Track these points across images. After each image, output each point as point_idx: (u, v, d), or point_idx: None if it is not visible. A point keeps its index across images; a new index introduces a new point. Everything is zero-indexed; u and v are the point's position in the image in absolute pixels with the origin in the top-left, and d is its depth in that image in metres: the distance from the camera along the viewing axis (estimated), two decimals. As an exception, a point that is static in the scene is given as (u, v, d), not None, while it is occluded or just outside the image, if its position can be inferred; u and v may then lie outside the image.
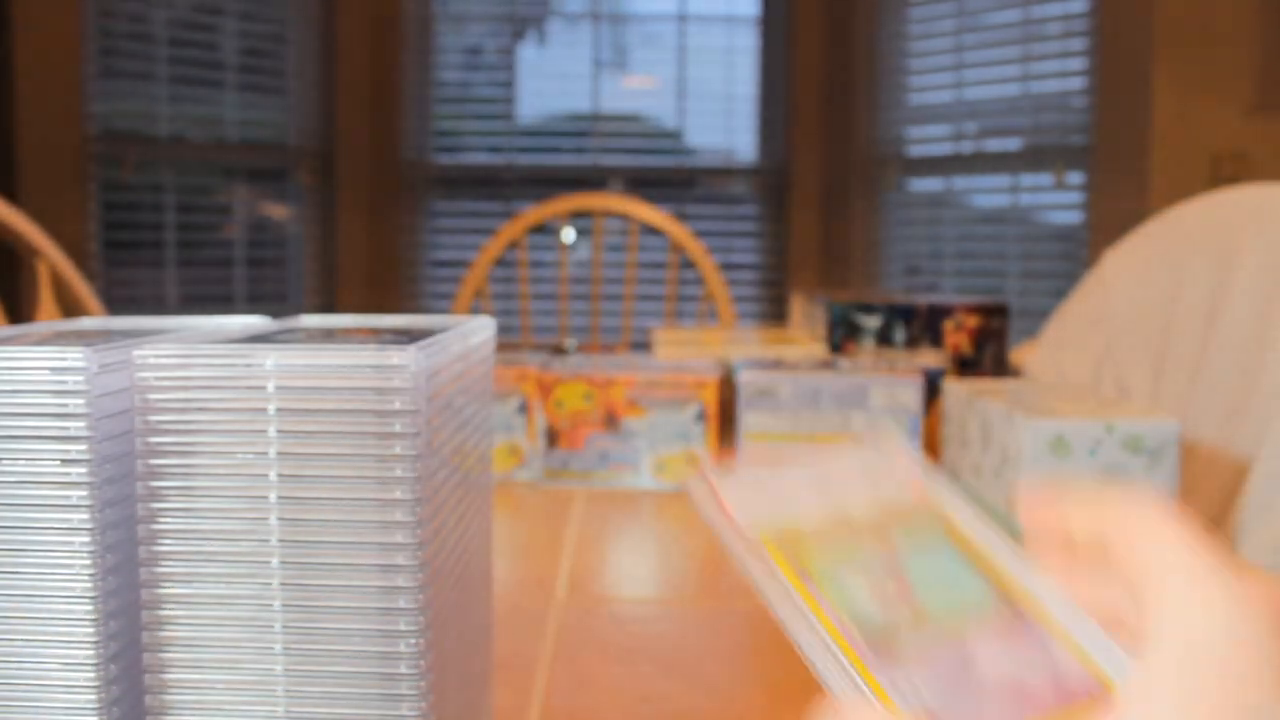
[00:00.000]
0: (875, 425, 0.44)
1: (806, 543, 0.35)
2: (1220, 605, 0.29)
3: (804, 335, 1.38)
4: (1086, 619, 0.33)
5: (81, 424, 0.35)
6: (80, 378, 0.35)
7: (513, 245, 2.01)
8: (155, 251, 3.19)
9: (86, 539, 0.35)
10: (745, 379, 1.03)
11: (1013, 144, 3.20)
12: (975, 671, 0.31)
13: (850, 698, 0.30)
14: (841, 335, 1.25)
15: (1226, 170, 2.75)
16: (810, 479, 0.37)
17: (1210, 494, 1.09)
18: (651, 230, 2.02)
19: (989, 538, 0.36)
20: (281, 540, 0.35)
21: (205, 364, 0.35)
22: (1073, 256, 3.09)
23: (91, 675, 0.35)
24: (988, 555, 0.36)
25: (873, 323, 1.25)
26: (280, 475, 0.35)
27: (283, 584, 0.35)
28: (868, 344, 1.25)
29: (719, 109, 3.56)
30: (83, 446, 0.35)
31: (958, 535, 0.36)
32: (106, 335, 0.40)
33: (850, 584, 0.33)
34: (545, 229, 2.10)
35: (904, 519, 0.37)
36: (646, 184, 3.54)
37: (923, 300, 1.26)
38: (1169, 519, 0.32)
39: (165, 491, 0.35)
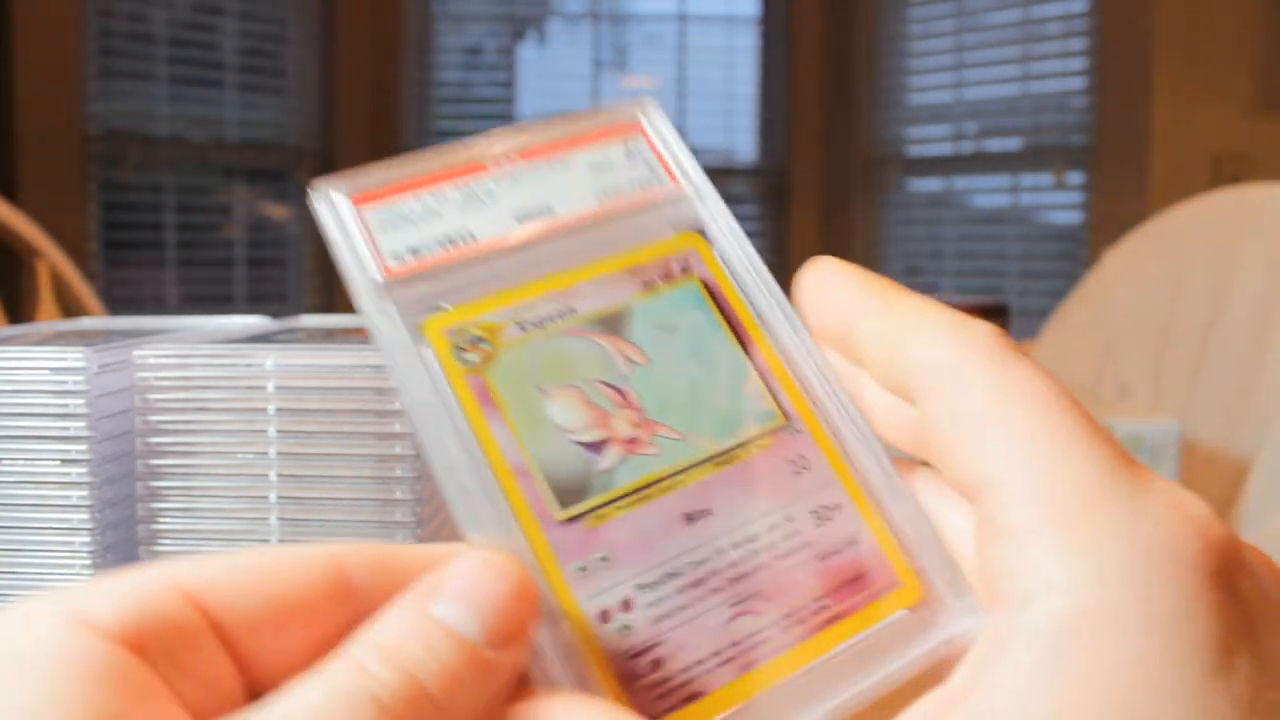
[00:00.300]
0: (629, 99, 0.26)
1: (495, 327, 0.22)
2: (1113, 553, 0.18)
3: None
4: (889, 461, 0.23)
5: (81, 424, 0.35)
6: (80, 378, 0.35)
7: (513, 245, 2.01)
8: (155, 251, 3.19)
9: (86, 539, 0.35)
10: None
11: (1013, 144, 3.20)
12: (718, 550, 0.21)
13: (543, 641, 0.20)
14: (841, 335, 1.25)
15: (1226, 170, 2.75)
16: (515, 198, 0.24)
17: (1210, 494, 1.09)
18: (651, 230, 2.02)
19: (771, 308, 0.25)
20: (281, 540, 0.35)
21: (205, 364, 0.35)
22: (1073, 256, 3.09)
23: (91, 675, 0.35)
24: (764, 336, 0.24)
25: (873, 323, 1.25)
26: (280, 475, 0.35)
27: (283, 584, 0.35)
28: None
29: (719, 109, 3.56)
30: (83, 446, 0.35)
31: (727, 298, 0.25)
32: (106, 335, 0.40)
33: (551, 407, 0.21)
34: (545, 229, 2.10)
35: (646, 269, 0.24)
36: (646, 184, 3.54)
37: (923, 300, 1.26)
38: (1027, 389, 0.20)
39: (165, 491, 0.35)
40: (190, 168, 3.29)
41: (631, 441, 0.22)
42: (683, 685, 0.20)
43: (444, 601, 0.19)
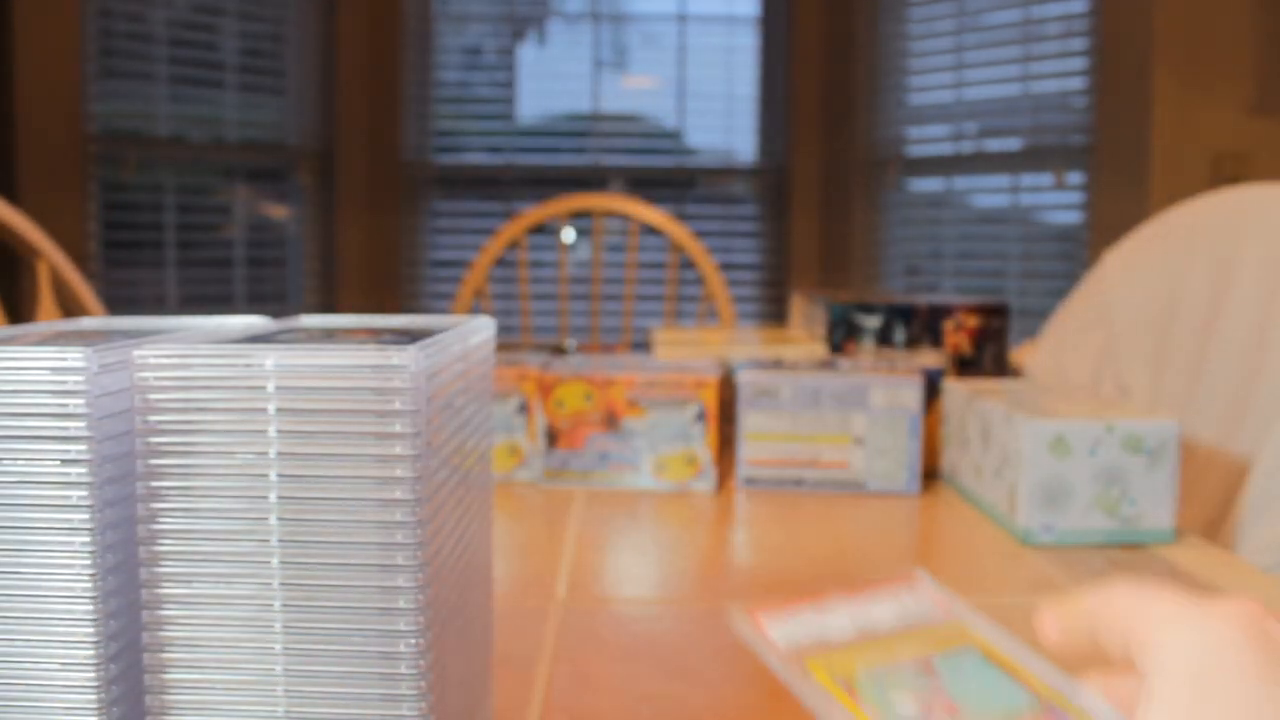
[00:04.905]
0: (905, 571, 0.47)
1: (847, 660, 0.37)
2: (1207, 635, 0.30)
3: (804, 335, 1.38)
4: (1121, 715, 0.34)
5: (81, 424, 0.35)
6: (80, 378, 0.35)
7: (513, 245, 2.01)
8: (155, 251, 3.19)
9: (86, 539, 0.35)
10: (745, 379, 1.03)
11: (1013, 144, 3.20)
12: None
13: None
14: (841, 335, 1.25)
15: (1226, 170, 2.75)
16: (844, 610, 0.40)
17: (1210, 494, 1.09)
18: (651, 230, 2.02)
19: (1020, 652, 0.38)
20: (281, 540, 0.35)
21: (205, 364, 0.35)
22: (1073, 256, 3.09)
23: (91, 675, 0.35)
24: (1021, 666, 0.37)
25: (873, 323, 1.25)
26: (280, 475, 0.35)
27: (283, 584, 0.35)
28: (868, 344, 1.25)
29: (719, 109, 3.56)
30: (83, 446, 0.35)
31: (989, 650, 0.38)
32: (106, 335, 0.40)
33: (892, 696, 0.35)
34: (545, 229, 2.10)
35: (937, 638, 0.39)
36: (646, 184, 3.54)
37: (923, 300, 1.26)
38: (1136, 589, 0.33)
39: (165, 491, 0.35)
40: (190, 168, 3.29)
41: (948, 715, 0.34)
42: None
43: None
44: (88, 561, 0.35)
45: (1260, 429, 1.06)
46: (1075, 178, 3.08)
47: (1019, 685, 0.36)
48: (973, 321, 1.24)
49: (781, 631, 0.38)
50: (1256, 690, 0.30)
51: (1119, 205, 2.87)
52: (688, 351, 1.26)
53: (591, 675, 0.62)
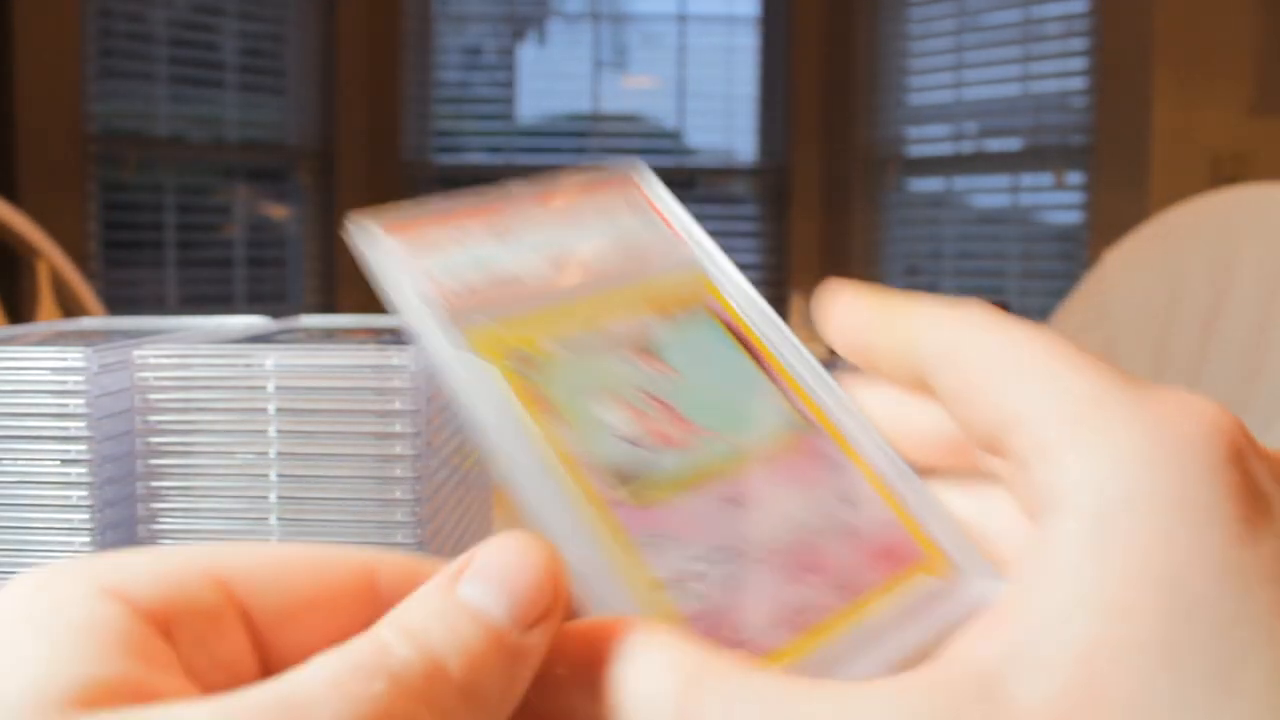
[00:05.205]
0: (619, 162, 0.29)
1: (538, 345, 0.24)
2: (1166, 473, 0.20)
3: (804, 335, 1.38)
4: (899, 458, 0.25)
5: (81, 424, 0.35)
6: (80, 378, 0.35)
7: (513, 245, 2.01)
8: (155, 251, 3.19)
9: (86, 539, 0.35)
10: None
11: (1013, 144, 3.20)
12: (765, 529, 0.23)
13: (616, 605, 0.20)
14: (841, 335, 1.25)
15: (1226, 170, 2.75)
16: (533, 239, 0.26)
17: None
18: (651, 230, 2.02)
19: (774, 333, 0.27)
20: (281, 540, 0.35)
21: (205, 364, 0.35)
22: (1073, 256, 3.09)
23: (91, 675, 0.35)
24: (774, 356, 0.27)
25: (873, 323, 1.25)
26: (280, 475, 0.35)
27: (283, 584, 0.35)
28: (868, 344, 1.25)
29: (719, 109, 3.56)
30: (83, 446, 0.35)
31: (737, 324, 0.27)
32: (106, 335, 0.40)
33: (599, 409, 0.23)
34: (545, 229, 2.10)
35: (662, 300, 0.26)
36: (646, 184, 3.54)
37: (923, 300, 1.25)
38: (1024, 339, 0.22)
39: (165, 491, 0.35)
40: (190, 168, 3.29)
41: (674, 439, 0.24)
42: (745, 643, 0.21)
43: (471, 583, 0.19)
44: (88, 561, 0.35)
45: (1260, 429, 1.06)
46: (1075, 178, 3.08)
47: (767, 385, 0.26)
48: (973, 321, 1.24)
49: (434, 267, 0.24)
50: (1232, 582, 0.18)
51: (1119, 205, 2.87)
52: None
53: (591, 675, 0.61)
